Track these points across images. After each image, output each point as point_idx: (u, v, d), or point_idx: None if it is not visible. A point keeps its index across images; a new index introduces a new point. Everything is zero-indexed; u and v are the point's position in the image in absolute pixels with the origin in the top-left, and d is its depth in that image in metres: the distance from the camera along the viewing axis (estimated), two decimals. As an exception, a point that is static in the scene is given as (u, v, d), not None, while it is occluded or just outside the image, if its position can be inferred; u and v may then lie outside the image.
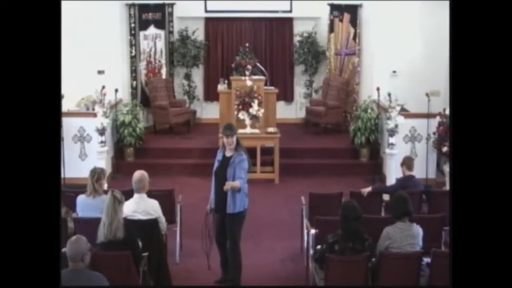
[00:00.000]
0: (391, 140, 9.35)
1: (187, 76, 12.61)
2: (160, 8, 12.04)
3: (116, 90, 9.94)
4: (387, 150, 9.46)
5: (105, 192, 6.21)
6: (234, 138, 6.13)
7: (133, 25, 11.52)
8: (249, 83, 10.19)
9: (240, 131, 10.09)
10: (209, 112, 12.56)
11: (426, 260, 5.35)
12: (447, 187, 8.38)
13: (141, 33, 11.72)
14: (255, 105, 9.94)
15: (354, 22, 11.86)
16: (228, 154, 6.18)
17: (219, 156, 6.27)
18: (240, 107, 10.01)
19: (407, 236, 5.35)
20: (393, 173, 9.09)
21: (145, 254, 5.58)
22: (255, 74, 11.08)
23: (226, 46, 12.82)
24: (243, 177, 6.09)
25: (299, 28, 12.63)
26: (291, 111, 12.83)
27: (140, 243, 5.50)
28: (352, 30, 11.90)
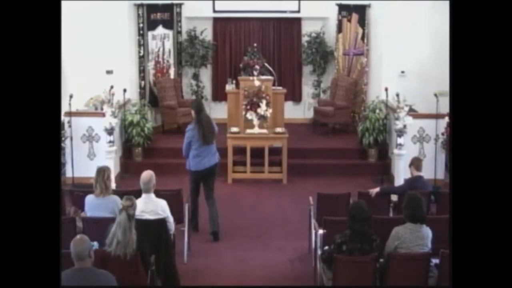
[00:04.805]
0: (400, 140, 9.32)
1: (195, 76, 12.62)
2: (168, 8, 12.05)
3: (125, 90, 9.96)
4: (396, 151, 9.44)
5: (114, 191, 6.24)
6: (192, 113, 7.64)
7: (141, 25, 11.54)
8: (257, 83, 10.19)
9: (248, 131, 10.15)
10: (217, 112, 12.53)
11: (435, 261, 5.34)
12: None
13: (150, 33, 11.73)
14: (263, 105, 9.94)
15: (362, 22, 11.83)
16: None
17: None
18: (248, 107, 10.01)
19: (416, 237, 5.34)
20: (401, 173, 9.07)
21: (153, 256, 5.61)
22: (263, 74, 11.07)
23: (234, 46, 12.82)
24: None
25: (307, 28, 12.61)
26: (299, 111, 12.80)
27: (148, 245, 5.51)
28: (360, 30, 11.88)
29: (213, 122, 7.78)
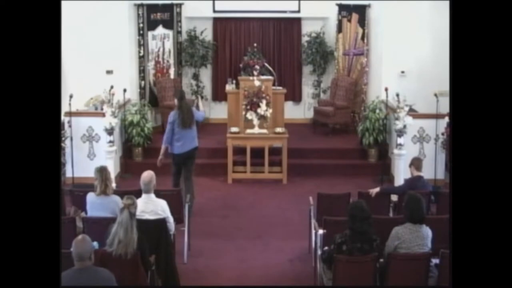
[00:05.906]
0: (400, 140, 9.32)
1: (195, 76, 12.62)
2: (168, 8, 12.05)
3: (125, 90, 9.96)
4: (396, 151, 9.44)
5: (114, 191, 6.24)
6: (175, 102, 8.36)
7: (141, 25, 11.54)
8: (257, 83, 10.18)
9: (248, 131, 10.15)
10: (217, 112, 12.56)
11: (435, 261, 5.34)
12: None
13: (150, 33, 11.74)
14: (263, 105, 9.94)
15: (362, 22, 11.84)
16: None
17: None
18: (248, 107, 10.01)
19: (416, 237, 5.33)
20: (401, 173, 9.07)
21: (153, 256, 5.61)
22: (263, 74, 11.06)
23: (234, 46, 12.81)
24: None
25: (307, 28, 12.61)
26: (299, 111, 12.80)
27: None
28: (360, 30, 11.88)
29: (193, 110, 8.53)
